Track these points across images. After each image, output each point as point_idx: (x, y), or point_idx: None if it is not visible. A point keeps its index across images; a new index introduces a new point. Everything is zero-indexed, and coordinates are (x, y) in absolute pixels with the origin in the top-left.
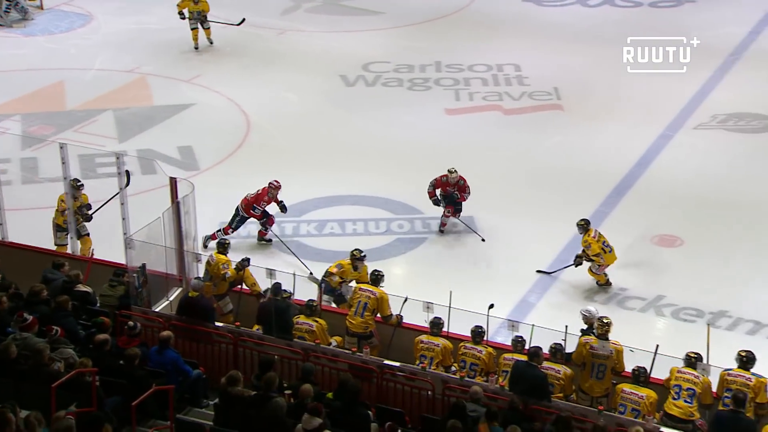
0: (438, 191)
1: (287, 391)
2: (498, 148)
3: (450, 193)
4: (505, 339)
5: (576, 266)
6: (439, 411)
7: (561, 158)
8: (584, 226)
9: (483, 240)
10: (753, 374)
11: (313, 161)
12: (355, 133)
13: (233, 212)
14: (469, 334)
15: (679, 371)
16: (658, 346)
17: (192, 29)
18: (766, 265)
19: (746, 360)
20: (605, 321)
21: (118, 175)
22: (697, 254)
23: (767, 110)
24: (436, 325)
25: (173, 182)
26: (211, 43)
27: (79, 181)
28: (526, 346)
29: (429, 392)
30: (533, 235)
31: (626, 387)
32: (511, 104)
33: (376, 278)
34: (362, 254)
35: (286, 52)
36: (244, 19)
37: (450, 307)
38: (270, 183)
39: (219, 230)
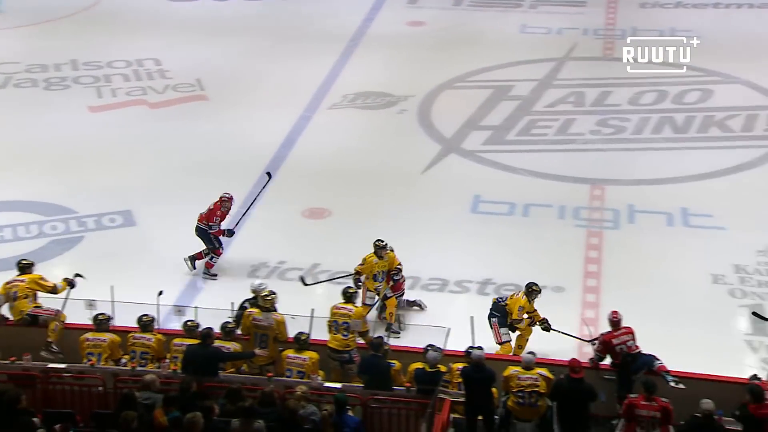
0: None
1: None
2: (149, 141)
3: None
4: (176, 324)
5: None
6: (112, 405)
7: (212, 145)
8: (384, 246)
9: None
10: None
11: None
12: None
13: (198, 235)
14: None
15: (335, 308)
16: (313, 310)
17: None
18: (408, 225)
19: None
20: (265, 294)
21: None
22: (345, 222)
23: (386, 88)
24: (102, 321)
25: None
26: None
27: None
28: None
29: (100, 388)
30: (194, 221)
31: (290, 353)
32: (156, 98)
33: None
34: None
35: None
36: None
37: (113, 301)
38: (221, 196)
39: (211, 257)
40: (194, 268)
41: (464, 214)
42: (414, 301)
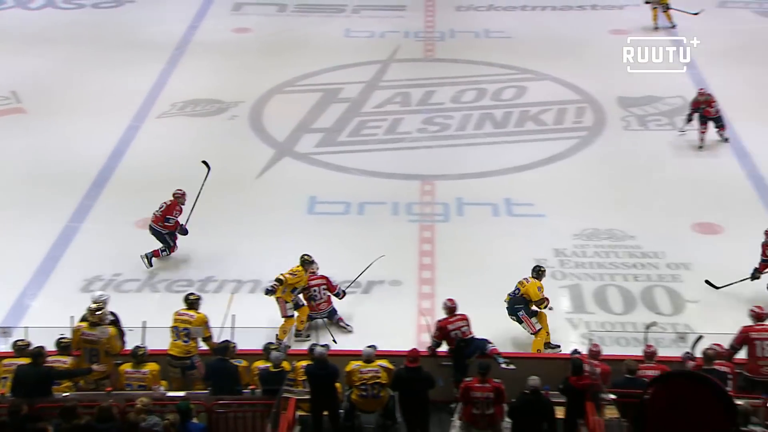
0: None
1: None
2: None
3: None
4: (4, 346)
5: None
6: None
7: (35, 160)
8: (312, 261)
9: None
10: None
11: None
12: None
13: (153, 235)
14: None
15: (178, 314)
16: (145, 321)
17: None
18: (246, 230)
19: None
20: (94, 309)
21: None
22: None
23: (216, 95)
24: None
25: None
26: None
27: None
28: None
29: None
30: (20, 237)
31: (128, 367)
32: None
33: None
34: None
35: None
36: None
37: None
38: (174, 194)
39: (163, 250)
40: (151, 266)
41: (301, 215)
42: (347, 326)
